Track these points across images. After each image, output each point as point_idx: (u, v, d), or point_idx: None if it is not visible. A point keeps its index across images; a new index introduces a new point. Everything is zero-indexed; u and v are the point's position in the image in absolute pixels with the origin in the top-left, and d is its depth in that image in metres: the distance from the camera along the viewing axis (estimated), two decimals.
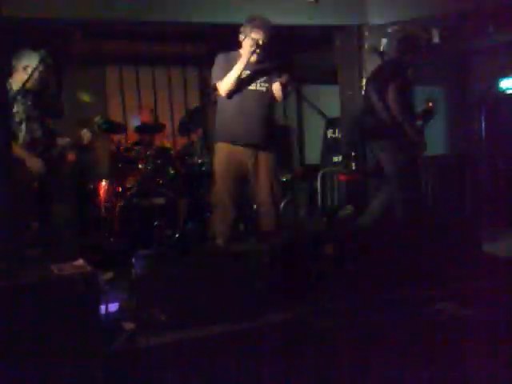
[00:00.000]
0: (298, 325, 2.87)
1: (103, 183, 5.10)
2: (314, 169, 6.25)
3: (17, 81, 3.58)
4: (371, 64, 4.44)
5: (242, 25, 3.78)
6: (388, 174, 4.24)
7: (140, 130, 5.54)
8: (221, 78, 3.74)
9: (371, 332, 2.74)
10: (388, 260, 3.19)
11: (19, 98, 3.58)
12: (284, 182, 5.54)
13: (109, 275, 3.74)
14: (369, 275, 3.11)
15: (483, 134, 6.30)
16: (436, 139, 6.19)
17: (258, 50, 3.69)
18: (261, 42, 3.67)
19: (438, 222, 3.60)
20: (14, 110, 3.58)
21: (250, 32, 3.71)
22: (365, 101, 4.40)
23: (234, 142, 3.81)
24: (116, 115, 6.61)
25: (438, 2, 5.44)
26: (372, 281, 3.08)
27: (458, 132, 6.58)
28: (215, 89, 3.80)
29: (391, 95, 4.02)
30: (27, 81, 3.49)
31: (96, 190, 5.06)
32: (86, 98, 5.33)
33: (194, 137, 6.08)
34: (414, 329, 2.77)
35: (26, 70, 3.58)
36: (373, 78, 4.35)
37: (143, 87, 7.09)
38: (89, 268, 2.61)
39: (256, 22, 3.72)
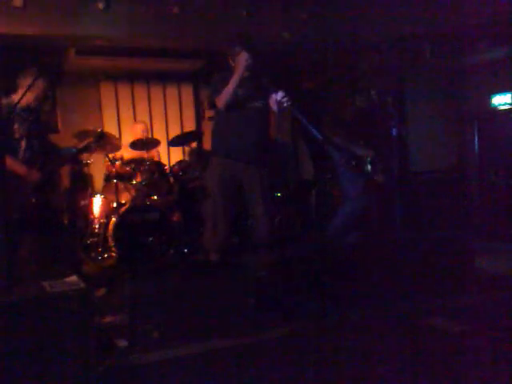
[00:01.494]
0: (294, 340, 2.86)
1: (97, 199, 5.11)
2: (310, 184, 6.28)
3: (21, 99, 3.59)
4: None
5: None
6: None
7: (135, 145, 5.55)
8: (218, 93, 3.77)
9: (365, 346, 2.74)
10: (380, 274, 3.20)
11: (22, 115, 3.61)
12: (278, 197, 5.57)
13: (102, 291, 3.73)
14: (362, 290, 3.12)
15: (476, 149, 6.35)
16: (429, 154, 6.23)
17: (250, 66, 3.71)
18: (249, 63, 3.70)
19: (430, 237, 3.62)
20: (15, 126, 3.60)
21: (238, 54, 3.74)
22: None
23: (229, 157, 3.84)
24: (111, 131, 6.63)
25: (429, 19, 5.52)
26: (365, 295, 3.09)
27: (452, 147, 6.63)
28: (214, 104, 3.84)
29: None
30: (22, 98, 3.51)
31: (90, 206, 5.06)
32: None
33: (188, 151, 6.11)
34: (407, 343, 2.77)
35: (31, 89, 3.62)
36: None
37: (138, 103, 7.13)
38: (82, 284, 2.61)
39: (240, 42, 3.76)
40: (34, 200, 3.60)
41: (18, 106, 3.58)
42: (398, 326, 2.98)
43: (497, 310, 3.10)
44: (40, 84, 3.63)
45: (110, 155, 5.22)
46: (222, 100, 3.73)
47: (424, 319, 3.04)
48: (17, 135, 3.59)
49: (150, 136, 5.92)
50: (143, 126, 5.95)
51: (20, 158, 3.60)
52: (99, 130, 4.62)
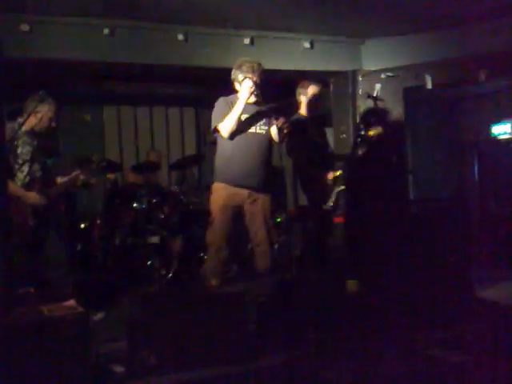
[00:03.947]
0: (292, 368, 2.83)
1: (98, 221, 5.11)
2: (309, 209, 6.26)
3: (26, 123, 3.61)
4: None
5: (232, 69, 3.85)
6: None
7: (136, 169, 5.58)
8: (222, 120, 3.79)
9: (365, 375, 2.72)
10: (380, 304, 3.18)
11: (26, 139, 3.62)
12: (278, 222, 5.56)
13: (100, 315, 3.70)
14: (362, 320, 3.10)
15: (476, 177, 6.37)
16: (429, 182, 6.26)
17: (254, 92, 3.75)
18: (254, 89, 3.74)
19: (430, 266, 3.61)
20: (19, 151, 3.60)
21: (243, 80, 3.78)
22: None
23: (231, 183, 3.84)
24: (113, 154, 6.67)
25: (430, 49, 5.60)
26: (365, 325, 3.07)
27: (452, 175, 6.66)
28: (216, 130, 3.85)
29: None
30: (25, 122, 3.53)
31: (90, 228, 5.06)
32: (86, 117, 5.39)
33: (189, 175, 6.13)
34: (407, 373, 2.75)
35: (36, 114, 3.63)
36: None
37: (141, 127, 7.19)
38: (80, 309, 2.60)
39: (246, 68, 3.80)
40: (32, 223, 3.59)
41: (22, 130, 3.59)
42: (398, 355, 2.95)
43: (497, 340, 3.08)
44: (44, 108, 3.64)
45: (111, 177, 5.24)
46: (225, 127, 3.75)
47: (424, 349, 3.01)
48: (20, 160, 3.59)
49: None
50: (156, 155, 6.02)
51: (22, 183, 3.59)
52: (97, 157, 4.50)
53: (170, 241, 4.93)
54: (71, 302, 2.65)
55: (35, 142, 3.68)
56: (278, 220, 5.65)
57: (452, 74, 5.74)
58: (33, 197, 3.57)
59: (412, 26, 5.41)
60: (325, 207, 4.48)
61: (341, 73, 5.84)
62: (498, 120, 6.26)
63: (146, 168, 5.55)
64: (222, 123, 3.77)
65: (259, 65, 3.82)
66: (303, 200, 6.45)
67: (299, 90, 4.41)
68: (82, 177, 3.94)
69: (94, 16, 4.84)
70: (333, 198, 4.43)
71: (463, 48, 5.46)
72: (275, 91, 4.41)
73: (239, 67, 3.83)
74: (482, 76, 5.53)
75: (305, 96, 4.36)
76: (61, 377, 2.40)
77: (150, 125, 7.28)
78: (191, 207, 5.25)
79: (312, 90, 4.35)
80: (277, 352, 2.95)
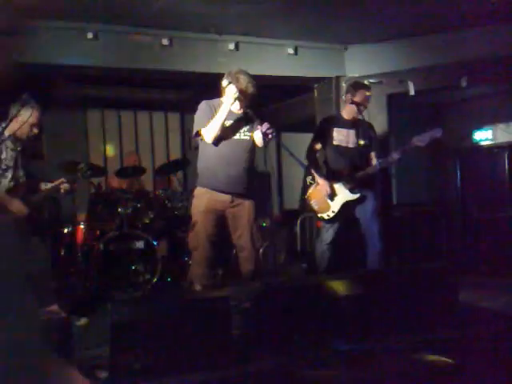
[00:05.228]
0: (279, 373, 2.83)
1: (82, 226, 5.07)
2: (294, 214, 6.30)
3: (9, 128, 3.57)
4: (347, 114, 4.58)
5: (223, 75, 3.85)
6: None
7: (120, 173, 5.56)
8: (204, 124, 3.78)
9: (355, 380, 2.73)
10: (364, 310, 3.20)
11: (9, 144, 3.58)
12: (263, 227, 5.57)
13: (83, 321, 3.68)
14: (347, 325, 3.11)
15: (459, 183, 6.44)
16: (412, 187, 6.32)
17: (239, 99, 3.76)
18: (237, 95, 3.73)
19: (412, 271, 3.64)
20: (2, 156, 3.56)
21: (227, 85, 3.77)
22: None
23: (214, 189, 3.83)
24: (97, 158, 6.65)
25: (413, 56, 5.67)
26: (350, 329, 3.08)
27: (434, 181, 6.73)
28: (199, 135, 3.84)
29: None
30: (7, 126, 3.49)
31: (74, 234, 5.02)
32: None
33: (174, 180, 6.12)
34: (396, 377, 2.76)
35: (18, 118, 3.58)
36: None
37: (125, 131, 7.16)
38: (63, 314, 2.58)
39: (237, 78, 3.79)
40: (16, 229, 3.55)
41: (5, 134, 3.56)
42: (386, 359, 2.96)
43: (480, 345, 3.11)
44: (27, 112, 3.61)
45: (95, 182, 5.21)
46: (209, 133, 3.74)
47: (411, 353, 3.02)
48: (3, 165, 3.54)
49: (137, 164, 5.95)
50: (134, 157, 6.02)
51: (5, 188, 3.55)
52: (83, 165, 4.40)
53: (154, 245, 4.92)
54: (54, 307, 2.64)
55: (19, 147, 3.64)
56: (263, 225, 5.67)
57: (435, 80, 5.81)
58: (16, 205, 3.53)
59: (395, 32, 5.48)
60: (322, 215, 4.48)
61: (325, 79, 5.89)
62: (480, 126, 6.36)
63: (131, 173, 5.52)
64: (206, 128, 3.76)
65: (249, 77, 3.79)
66: (288, 205, 6.47)
67: None
68: (65, 185, 3.89)
69: (78, 20, 4.83)
70: (335, 208, 4.41)
71: (446, 54, 5.54)
72: (259, 97, 4.43)
73: (227, 74, 3.83)
74: (464, 82, 5.60)
75: None
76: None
77: (134, 129, 7.26)
78: (176, 212, 5.24)
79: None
80: (263, 357, 2.95)
